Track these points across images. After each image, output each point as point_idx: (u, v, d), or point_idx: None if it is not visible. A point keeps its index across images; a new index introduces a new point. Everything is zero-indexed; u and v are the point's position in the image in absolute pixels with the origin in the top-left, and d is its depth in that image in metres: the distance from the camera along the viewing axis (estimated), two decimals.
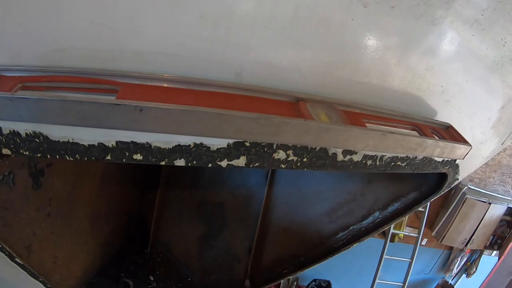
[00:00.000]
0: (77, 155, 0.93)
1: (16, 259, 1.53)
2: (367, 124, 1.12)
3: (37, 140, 0.94)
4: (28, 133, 0.95)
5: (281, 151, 1.04)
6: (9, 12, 0.84)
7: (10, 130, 0.97)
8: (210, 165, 0.95)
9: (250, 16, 0.80)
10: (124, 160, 0.91)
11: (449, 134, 1.31)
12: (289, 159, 1.07)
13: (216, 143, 0.92)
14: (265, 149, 1.01)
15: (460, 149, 1.27)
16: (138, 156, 0.91)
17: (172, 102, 0.71)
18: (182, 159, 0.92)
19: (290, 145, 1.03)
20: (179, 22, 0.79)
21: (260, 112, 0.82)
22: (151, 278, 2.30)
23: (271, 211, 2.34)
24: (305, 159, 1.10)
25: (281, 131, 0.87)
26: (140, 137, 0.88)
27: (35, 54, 0.85)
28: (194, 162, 0.93)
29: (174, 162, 0.92)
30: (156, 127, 0.70)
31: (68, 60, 0.82)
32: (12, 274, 1.65)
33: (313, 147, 1.08)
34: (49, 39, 0.82)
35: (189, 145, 0.90)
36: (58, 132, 0.92)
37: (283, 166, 1.07)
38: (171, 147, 0.90)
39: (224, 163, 0.96)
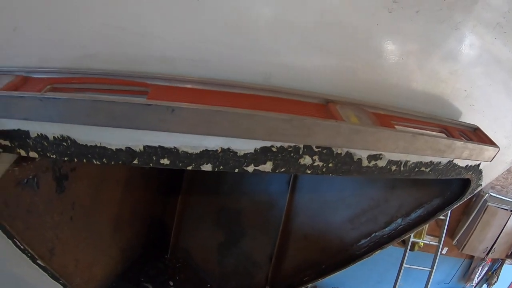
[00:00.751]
0: (104, 159, 0.93)
1: (38, 261, 1.55)
2: (396, 126, 1.12)
3: (64, 143, 0.95)
4: (56, 136, 0.95)
5: (307, 156, 1.03)
6: (38, 17, 0.85)
7: (37, 134, 0.98)
8: (237, 170, 0.94)
9: (277, 22, 0.79)
10: (151, 164, 0.91)
11: (477, 136, 1.31)
12: (315, 164, 1.06)
13: (243, 148, 0.91)
14: (292, 154, 1.00)
15: (489, 151, 1.25)
16: (165, 161, 0.90)
17: (203, 103, 0.70)
18: (209, 164, 0.91)
19: (316, 150, 1.02)
20: (204, 28, 0.79)
21: (290, 114, 0.81)
22: (171, 283, 2.29)
23: (292, 217, 2.32)
24: (330, 165, 1.09)
25: (313, 133, 0.86)
26: (168, 142, 0.88)
27: (64, 57, 0.86)
28: (221, 167, 0.92)
29: (201, 167, 0.91)
30: (188, 128, 0.70)
31: (97, 63, 0.82)
32: (33, 276, 1.67)
33: (339, 152, 1.07)
34: (77, 44, 0.83)
35: (217, 150, 0.89)
36: (86, 136, 0.92)
37: (308, 171, 1.06)
38: (199, 152, 0.89)
39: (250, 168, 0.95)
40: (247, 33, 0.80)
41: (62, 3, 0.83)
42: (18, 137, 1.02)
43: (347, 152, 1.08)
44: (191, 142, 0.87)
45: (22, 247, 1.47)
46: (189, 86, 0.79)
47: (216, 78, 0.80)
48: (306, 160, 1.03)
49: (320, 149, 1.03)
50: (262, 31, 0.80)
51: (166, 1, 0.77)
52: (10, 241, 1.46)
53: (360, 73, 1.12)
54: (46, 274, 1.62)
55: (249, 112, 0.72)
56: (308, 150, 1.01)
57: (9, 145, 1.06)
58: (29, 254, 1.50)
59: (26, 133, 1.00)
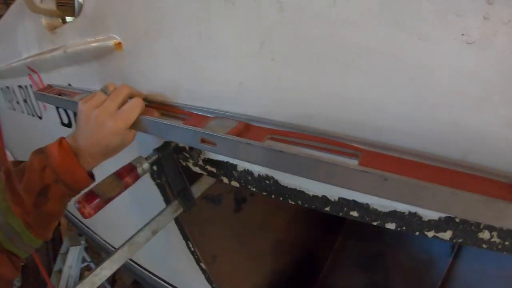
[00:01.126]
0: (299, 201, 1.07)
1: (201, 264, 1.80)
2: None
3: (267, 181, 1.12)
4: (261, 174, 1.13)
5: (486, 231, 1.02)
6: (263, 78, 1.02)
7: (244, 169, 1.17)
8: (417, 233, 0.98)
9: (479, 98, 0.81)
10: (340, 214, 1.02)
11: None
12: (492, 240, 1.04)
13: (429, 214, 0.96)
14: (472, 227, 1.00)
15: None
16: (354, 213, 1.00)
17: (408, 174, 0.76)
18: (394, 224, 0.98)
19: (497, 227, 1.01)
20: (418, 104, 0.84)
21: (485, 194, 0.82)
22: None
23: (449, 284, 2.20)
24: (507, 243, 1.05)
25: (503, 216, 0.85)
26: (362, 198, 0.98)
27: (285, 113, 0.99)
28: (404, 228, 0.98)
29: (385, 224, 0.98)
30: (396, 196, 0.75)
31: (313, 122, 0.95)
32: (191, 274, 1.94)
33: None
34: (301, 105, 0.96)
35: (404, 213, 0.96)
36: (288, 180, 1.08)
37: (484, 246, 1.05)
38: (387, 211, 0.97)
39: (430, 234, 0.99)
40: (457, 112, 0.82)
41: (291, 72, 0.97)
42: (225, 168, 1.23)
43: None
44: (383, 202, 0.96)
45: (192, 249, 1.73)
46: (396, 155, 0.85)
47: (421, 150, 0.86)
48: (485, 235, 1.02)
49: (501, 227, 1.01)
50: (468, 107, 0.82)
51: (386, 80, 0.84)
52: (184, 242, 1.73)
53: None
54: (203, 276, 1.86)
55: (449, 190, 0.75)
56: (490, 225, 1.00)
57: (215, 172, 1.28)
58: (195, 256, 1.76)
59: (234, 166, 1.20)
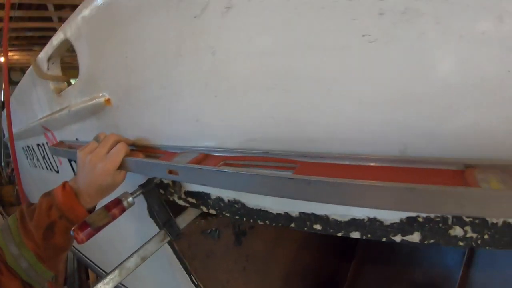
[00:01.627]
0: (267, 221, 1.13)
1: None
2: None
3: (236, 205, 1.19)
4: (230, 199, 1.21)
5: (457, 227, 0.98)
6: (214, 113, 1.14)
7: (216, 196, 1.26)
8: (384, 239, 0.98)
9: (400, 91, 0.81)
10: (305, 228, 1.06)
11: None
12: (468, 236, 1.00)
13: (389, 218, 0.96)
14: (440, 224, 0.98)
15: None
16: (317, 226, 1.04)
17: (340, 176, 0.77)
18: (358, 232, 0.99)
19: (467, 220, 0.97)
20: (341, 110, 0.89)
21: (422, 183, 0.75)
22: None
23: None
24: (486, 236, 1.00)
25: (440, 202, 0.75)
26: (320, 210, 1.01)
27: (235, 141, 1.10)
28: (369, 235, 0.98)
29: (350, 234, 1.00)
30: (323, 198, 0.79)
31: (258, 145, 1.04)
32: None
33: (495, 222, 0.98)
34: (244, 131, 1.07)
35: (363, 219, 0.97)
36: (252, 201, 1.15)
37: (461, 243, 1.01)
38: (347, 220, 0.99)
39: (398, 238, 0.98)
40: (382, 110, 0.84)
41: (231, 104, 1.08)
42: (201, 197, 1.33)
43: (504, 222, 0.98)
44: (340, 211, 0.99)
45: (196, 283, 1.77)
46: (330, 161, 0.89)
47: (356, 153, 0.89)
48: (457, 231, 0.99)
49: (471, 219, 0.97)
50: (397, 106, 0.83)
51: (307, 94, 0.91)
52: (187, 277, 1.78)
53: (504, 131, 0.99)
54: None
55: (369, 183, 0.74)
56: (458, 220, 0.97)
57: (195, 202, 1.38)
58: None
59: (208, 195, 1.29)
